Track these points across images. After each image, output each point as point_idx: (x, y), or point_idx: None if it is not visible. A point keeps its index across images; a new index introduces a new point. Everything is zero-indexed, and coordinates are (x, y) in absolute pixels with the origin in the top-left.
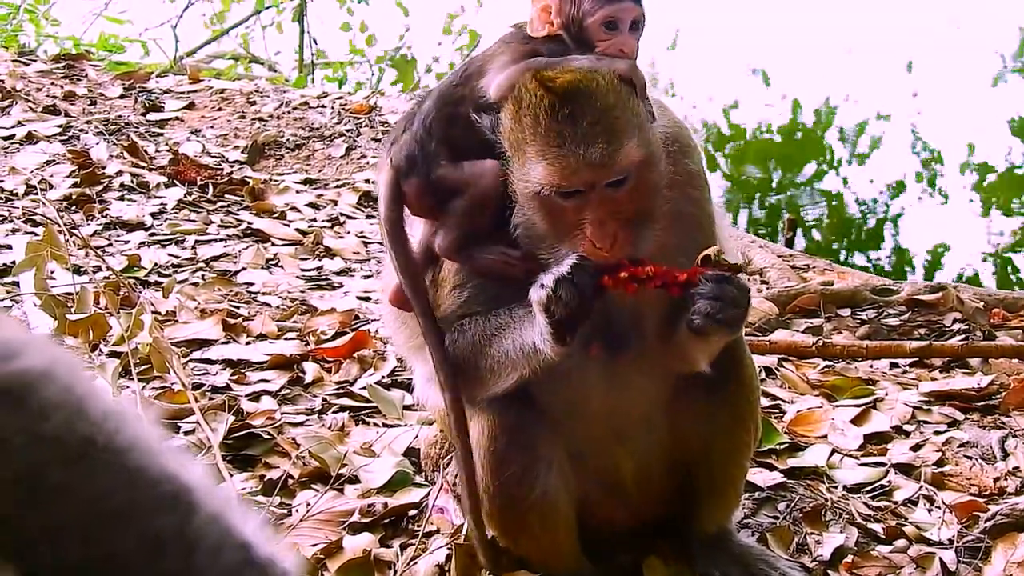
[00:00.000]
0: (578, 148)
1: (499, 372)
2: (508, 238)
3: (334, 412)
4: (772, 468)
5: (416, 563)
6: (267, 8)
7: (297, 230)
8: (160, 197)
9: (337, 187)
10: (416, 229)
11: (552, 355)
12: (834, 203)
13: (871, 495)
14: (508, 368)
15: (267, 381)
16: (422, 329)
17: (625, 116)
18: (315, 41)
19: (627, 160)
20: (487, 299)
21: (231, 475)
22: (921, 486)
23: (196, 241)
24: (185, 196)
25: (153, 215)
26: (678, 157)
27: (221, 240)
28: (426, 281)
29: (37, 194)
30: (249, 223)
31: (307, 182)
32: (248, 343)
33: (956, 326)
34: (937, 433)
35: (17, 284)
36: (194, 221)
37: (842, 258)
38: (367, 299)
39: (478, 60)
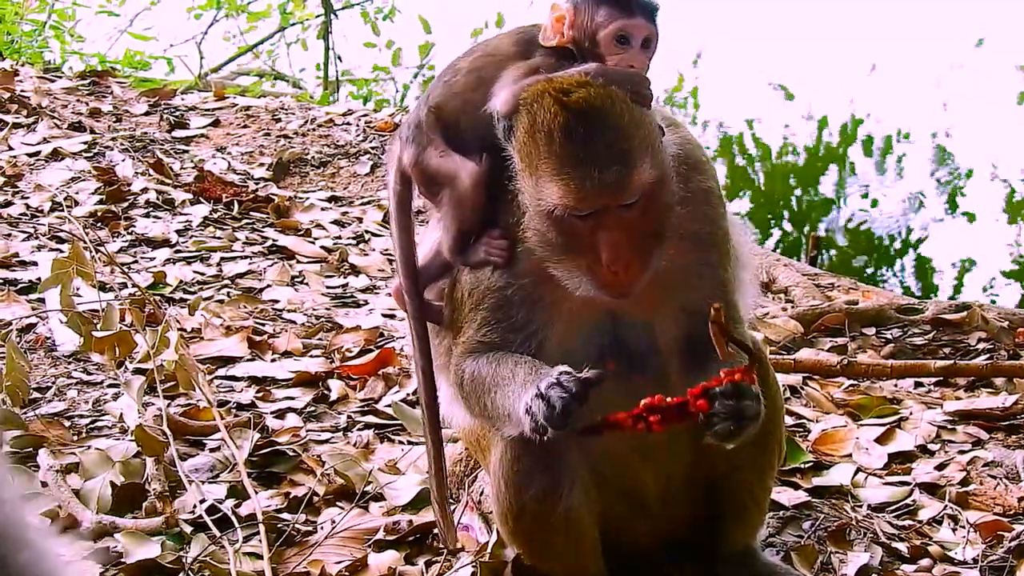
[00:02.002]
0: (592, 171)
1: (500, 420)
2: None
3: (359, 429)
4: (797, 487)
5: None
6: (292, 25)
7: (322, 247)
8: (185, 214)
9: (362, 204)
10: (429, 237)
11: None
12: (865, 224)
13: (896, 514)
14: (507, 423)
15: (292, 398)
16: (408, 313)
17: (639, 135)
18: (340, 58)
19: (640, 182)
20: (502, 324)
21: (256, 492)
22: (946, 505)
23: (221, 258)
24: (210, 213)
25: (178, 232)
26: (690, 175)
27: (246, 257)
28: (436, 285)
29: (63, 211)
30: (274, 240)
31: (332, 199)
32: (273, 360)
33: (981, 345)
34: (961, 452)
35: (43, 301)
36: (219, 238)
37: (872, 274)
38: (392, 316)
39: (486, 41)
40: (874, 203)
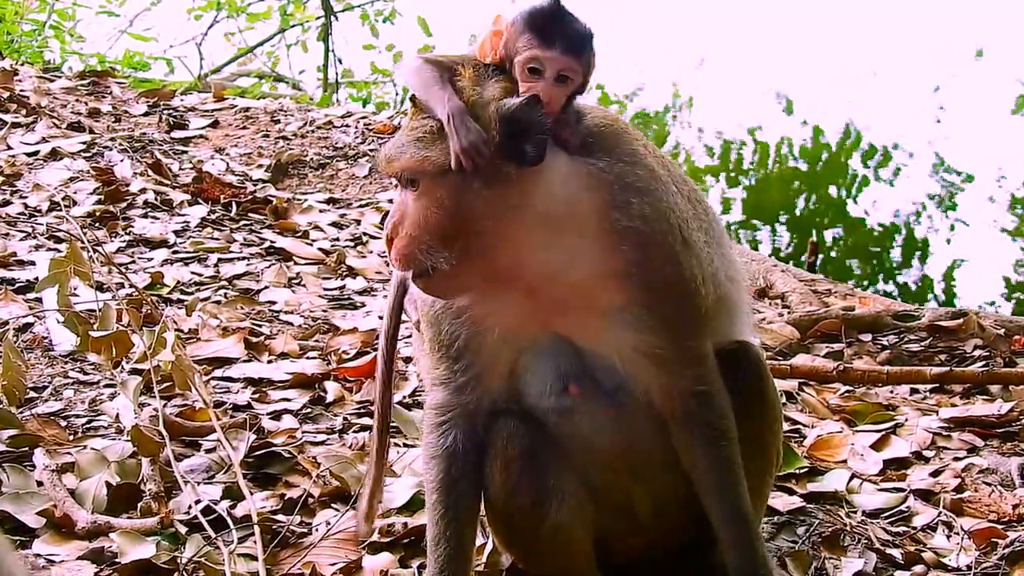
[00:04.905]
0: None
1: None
2: None
3: (355, 431)
4: (792, 492)
5: None
6: (292, 27)
7: (320, 249)
8: (183, 215)
9: (360, 207)
10: None
11: None
12: (871, 230)
13: (890, 520)
14: None
15: (288, 400)
16: (390, 299)
17: (439, 137)
18: (340, 60)
19: (402, 165)
20: (450, 352)
21: (251, 493)
22: (940, 512)
23: (219, 259)
24: (208, 214)
25: (176, 233)
26: (629, 196)
27: (244, 258)
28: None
29: (61, 211)
30: (272, 242)
31: (330, 201)
32: (270, 362)
33: (977, 352)
34: (957, 459)
35: (40, 300)
36: (217, 239)
37: (862, 280)
38: None
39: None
40: (866, 213)
